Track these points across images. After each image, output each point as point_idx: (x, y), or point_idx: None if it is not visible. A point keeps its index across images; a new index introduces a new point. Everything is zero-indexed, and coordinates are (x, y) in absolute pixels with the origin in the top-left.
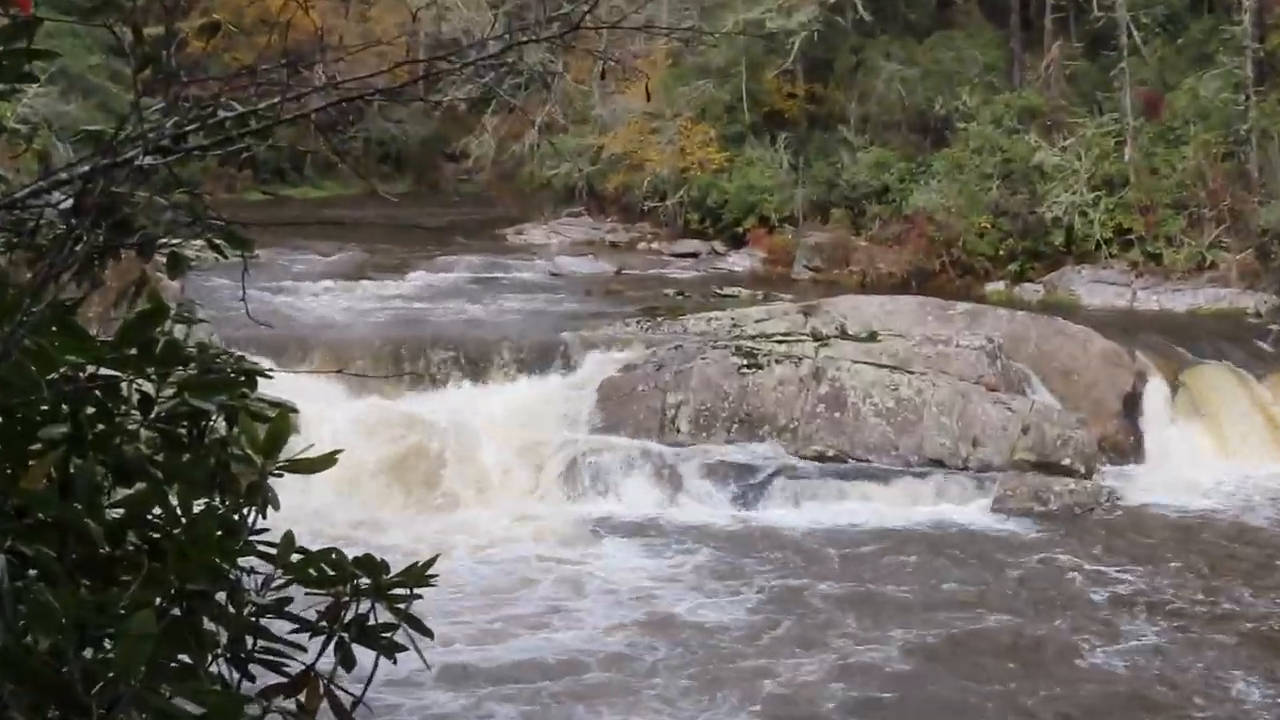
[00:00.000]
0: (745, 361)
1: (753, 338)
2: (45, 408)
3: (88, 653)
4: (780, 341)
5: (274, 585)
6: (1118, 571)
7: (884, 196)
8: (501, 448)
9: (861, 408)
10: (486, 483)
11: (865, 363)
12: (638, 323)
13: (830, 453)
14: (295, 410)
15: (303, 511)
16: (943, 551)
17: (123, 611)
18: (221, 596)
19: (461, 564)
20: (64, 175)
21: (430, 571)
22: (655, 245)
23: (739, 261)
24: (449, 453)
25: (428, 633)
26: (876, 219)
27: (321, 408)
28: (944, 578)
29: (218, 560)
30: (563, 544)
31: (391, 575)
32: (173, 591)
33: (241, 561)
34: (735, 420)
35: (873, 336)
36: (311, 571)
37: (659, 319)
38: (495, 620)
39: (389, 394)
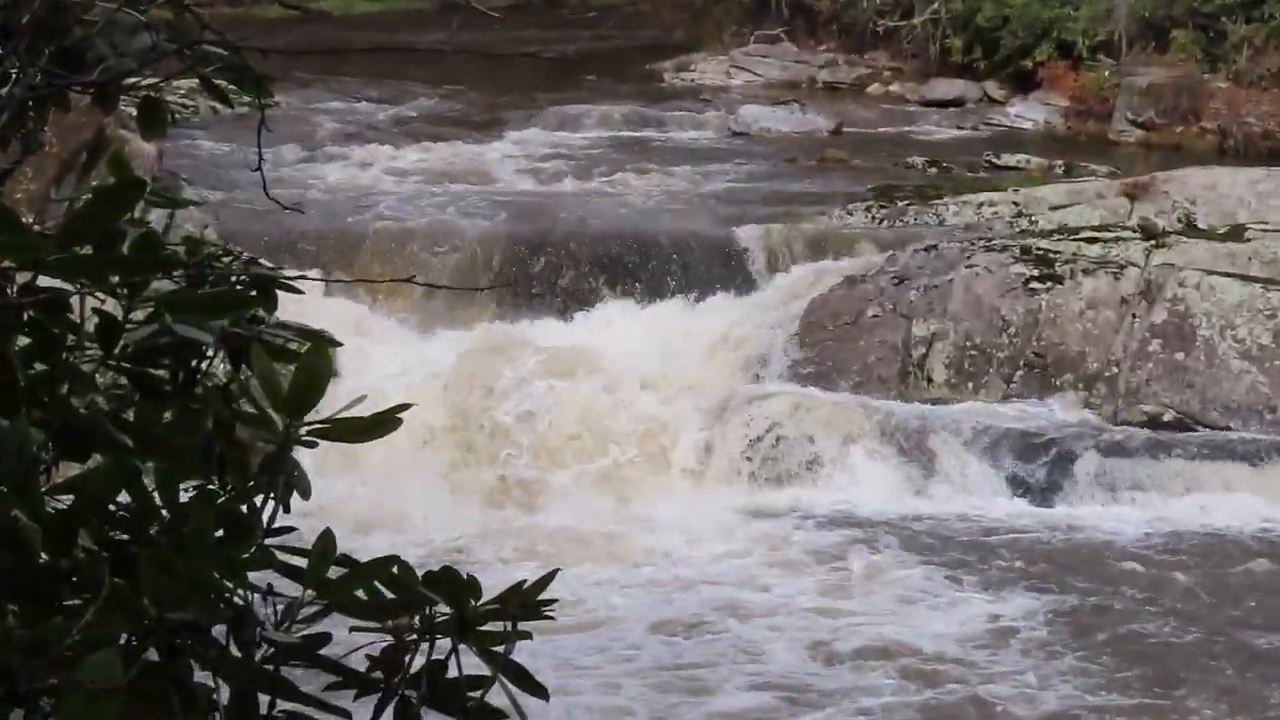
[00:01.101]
0: (1036, 272)
1: (1048, 234)
2: None
3: (17, 716)
4: (1091, 240)
5: (302, 615)
6: None
7: (1255, 10)
8: (651, 405)
9: (1219, 345)
10: (627, 460)
11: (1225, 274)
12: (866, 210)
13: (1169, 416)
14: (337, 344)
15: (348, 502)
16: None
17: (71, 653)
18: (222, 631)
19: (595, 596)
20: None
21: (545, 596)
22: (895, 88)
23: (1026, 113)
24: (571, 412)
25: (541, 691)
26: (1244, 46)
27: (376, 342)
28: None
29: (216, 575)
30: (763, 562)
31: (484, 602)
32: (148, 623)
33: (254, 578)
34: (1019, 364)
35: (1238, 232)
36: (360, 594)
37: (900, 204)
38: (673, 706)
39: (479, 321)
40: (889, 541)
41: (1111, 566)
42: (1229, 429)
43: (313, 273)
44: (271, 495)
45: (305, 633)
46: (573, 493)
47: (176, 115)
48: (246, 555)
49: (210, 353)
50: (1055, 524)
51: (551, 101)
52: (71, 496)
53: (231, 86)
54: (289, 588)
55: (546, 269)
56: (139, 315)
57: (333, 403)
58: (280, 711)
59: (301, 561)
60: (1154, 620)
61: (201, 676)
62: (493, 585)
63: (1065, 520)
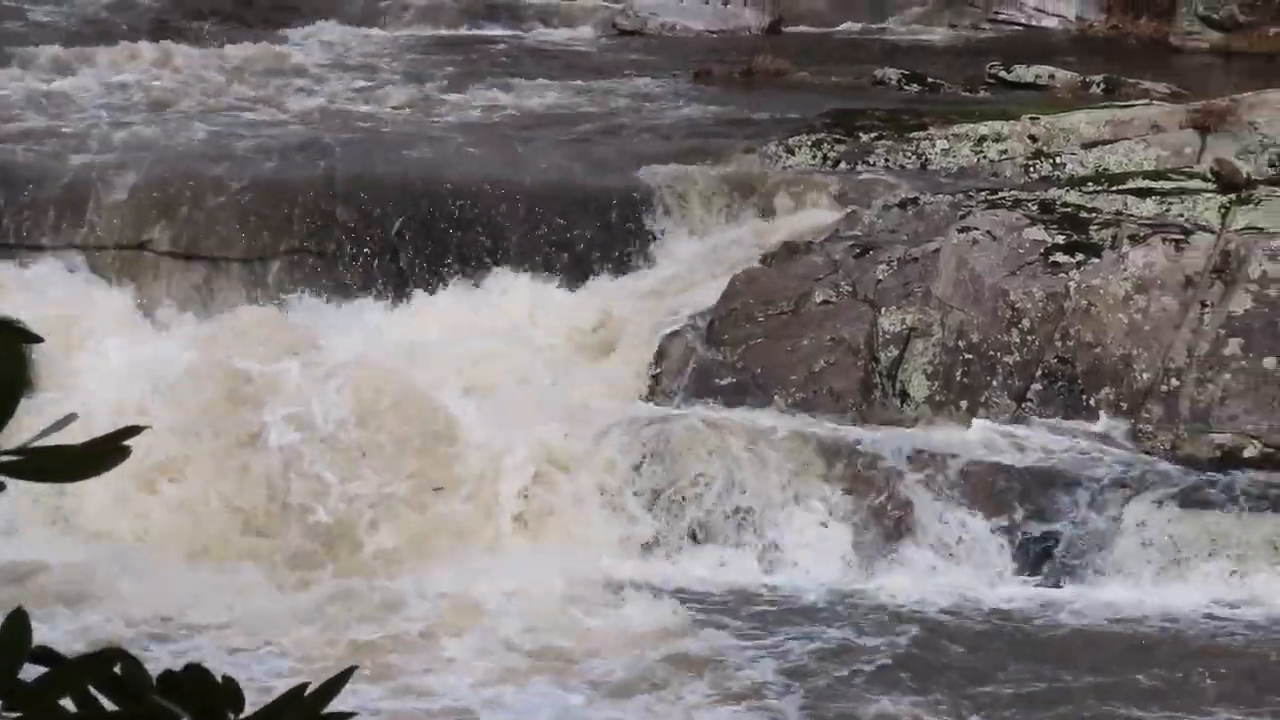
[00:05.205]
0: (1061, 239)
1: (1080, 184)
2: None
3: None
4: (1143, 193)
5: None
6: None
7: None
8: (498, 430)
9: None
10: (464, 508)
11: None
12: (814, 146)
13: (1252, 450)
14: (34, 338)
15: (56, 573)
16: None
17: None
18: None
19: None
20: None
21: (337, 708)
22: None
23: (1051, 4)
24: (389, 435)
25: None
26: None
27: (95, 335)
28: None
29: None
30: (645, 675)
31: (248, 716)
32: None
33: None
34: (1035, 374)
35: None
36: (68, 704)
37: (864, 138)
38: None
39: (236, 307)
40: (837, 640)
41: (1166, 677)
42: None
43: None
44: None
45: None
46: (371, 559)
47: None
48: None
49: None
50: (1085, 611)
51: None
52: None
53: None
54: None
55: (339, 233)
56: None
57: (27, 425)
58: None
59: None
60: None
61: None
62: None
63: (1100, 606)
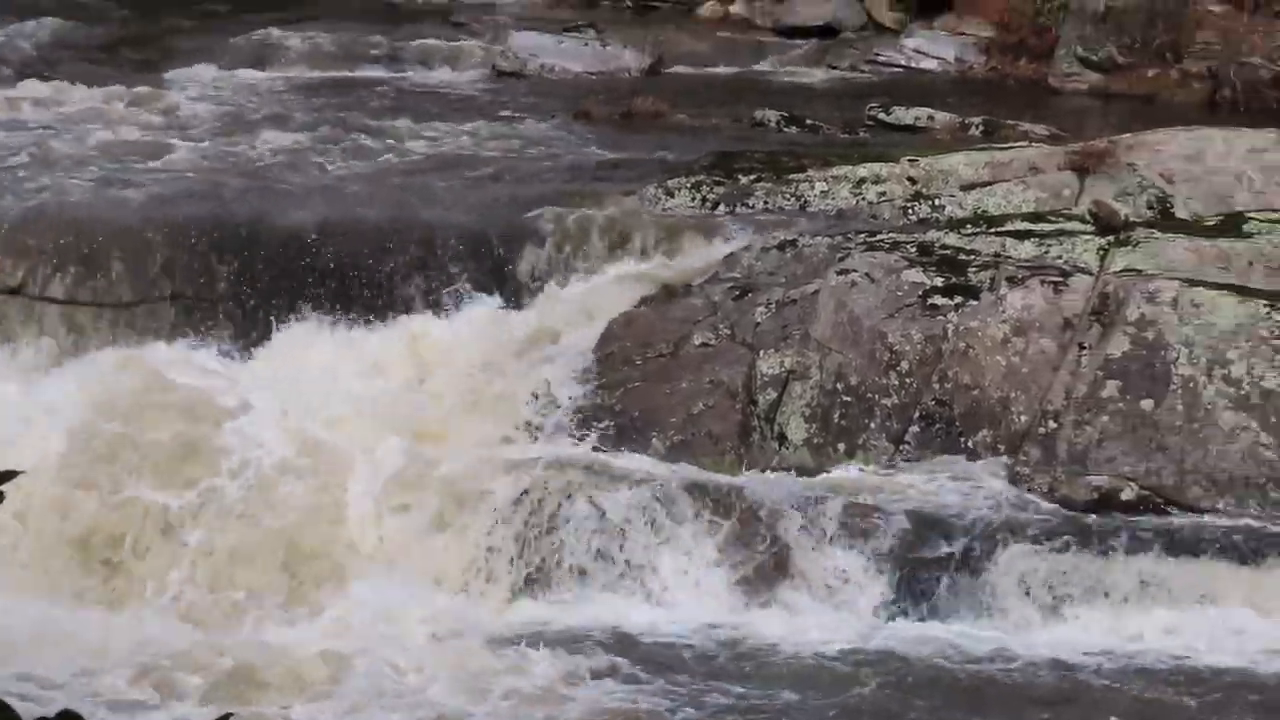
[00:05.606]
0: (939, 281)
1: (958, 226)
2: None
3: None
4: (1022, 235)
5: None
6: None
7: None
8: (375, 475)
9: (1205, 390)
10: (341, 553)
11: (1215, 285)
12: (693, 188)
13: (1129, 493)
14: None
15: None
16: None
17: None
18: None
19: None
20: None
21: None
22: (738, 8)
23: (930, 47)
24: (263, 482)
25: None
26: None
27: None
28: None
29: None
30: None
31: None
32: None
33: None
34: (913, 416)
35: (1233, 224)
36: None
37: (743, 180)
38: None
39: (133, 345)
40: (713, 687)
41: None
42: (1216, 511)
43: None
44: None
45: None
46: (242, 607)
47: None
48: None
49: None
50: (960, 653)
51: (237, 25)
52: None
53: None
54: None
55: (226, 274)
56: None
57: None
58: None
59: None
60: None
61: None
62: None
63: (976, 646)
